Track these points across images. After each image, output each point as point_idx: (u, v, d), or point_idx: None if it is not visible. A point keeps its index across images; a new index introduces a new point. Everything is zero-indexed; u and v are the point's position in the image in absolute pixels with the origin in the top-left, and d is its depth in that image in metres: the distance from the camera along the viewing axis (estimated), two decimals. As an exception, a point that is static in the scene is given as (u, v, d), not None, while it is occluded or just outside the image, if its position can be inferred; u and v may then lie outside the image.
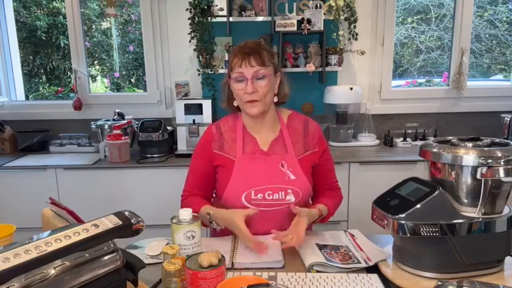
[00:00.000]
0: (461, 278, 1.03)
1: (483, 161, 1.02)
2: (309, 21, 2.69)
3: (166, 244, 1.32)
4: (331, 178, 1.57)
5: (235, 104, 1.49)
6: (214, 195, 1.59)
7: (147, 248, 1.33)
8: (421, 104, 3.04)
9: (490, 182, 1.04)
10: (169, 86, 3.00)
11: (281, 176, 1.42)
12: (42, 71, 4.25)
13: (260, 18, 2.76)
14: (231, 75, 1.42)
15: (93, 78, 4.25)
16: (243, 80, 1.38)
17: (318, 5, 2.72)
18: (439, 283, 0.99)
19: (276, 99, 1.47)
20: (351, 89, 2.78)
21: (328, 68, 2.80)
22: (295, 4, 2.75)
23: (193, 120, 2.68)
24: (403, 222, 1.04)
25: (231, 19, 2.72)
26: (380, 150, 2.75)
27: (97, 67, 4.35)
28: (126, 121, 2.77)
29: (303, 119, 1.54)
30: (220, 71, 2.78)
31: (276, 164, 1.43)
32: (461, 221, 1.05)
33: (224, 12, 2.68)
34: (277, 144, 1.47)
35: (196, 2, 2.62)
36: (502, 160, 1.01)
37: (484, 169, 1.01)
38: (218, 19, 2.69)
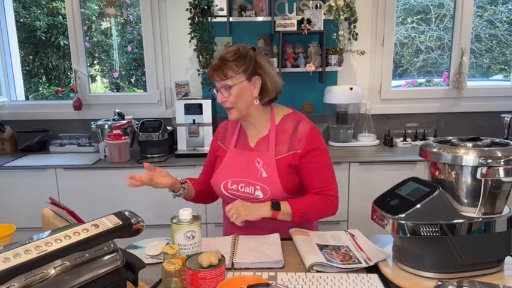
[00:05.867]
0: (461, 278, 1.03)
1: (483, 161, 1.02)
2: (309, 21, 2.69)
3: (166, 244, 1.32)
4: (319, 182, 1.50)
5: None
6: None
7: (147, 248, 1.33)
8: (421, 104, 3.04)
9: (490, 182, 1.04)
10: (169, 86, 3.00)
11: (254, 172, 1.51)
12: (42, 71, 4.25)
13: (260, 18, 2.76)
14: None
15: (93, 78, 4.25)
16: (218, 90, 1.51)
17: (318, 5, 2.72)
18: (439, 283, 0.99)
19: (256, 102, 1.50)
20: (351, 89, 2.78)
21: (328, 68, 2.80)
22: (295, 4, 2.75)
23: (193, 120, 2.68)
24: (403, 222, 1.04)
25: (231, 19, 2.72)
26: (380, 150, 2.75)
27: (97, 67, 4.35)
28: (126, 121, 2.77)
29: (297, 120, 1.55)
30: (220, 71, 2.78)
31: (253, 160, 1.53)
32: (461, 221, 1.05)
33: (224, 12, 2.68)
34: (263, 143, 1.55)
35: (196, 2, 2.62)
36: (502, 160, 1.01)
37: (484, 169, 1.01)
38: (218, 19, 2.69)
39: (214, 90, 1.54)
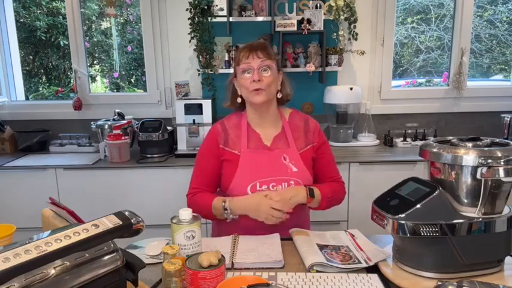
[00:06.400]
0: (461, 278, 1.03)
1: (483, 161, 1.02)
2: (309, 21, 2.69)
3: (166, 244, 1.32)
4: (332, 172, 1.63)
5: (238, 100, 1.57)
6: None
7: (147, 248, 1.33)
8: (421, 104, 3.04)
9: (490, 182, 1.04)
10: (169, 86, 3.00)
11: (284, 169, 1.51)
12: (42, 71, 4.25)
13: (260, 18, 2.75)
14: (237, 68, 1.51)
15: (93, 78, 4.25)
16: (250, 70, 1.47)
17: (318, 5, 2.72)
18: (439, 283, 0.99)
19: (280, 95, 1.57)
20: (351, 89, 2.78)
21: (328, 68, 2.80)
22: (295, 4, 2.75)
23: (193, 120, 2.68)
24: (403, 222, 1.04)
25: (231, 19, 2.72)
26: (380, 150, 2.75)
27: (97, 67, 4.35)
28: (126, 121, 2.77)
29: (304, 116, 1.64)
30: (220, 71, 2.78)
31: (278, 158, 1.52)
32: (461, 221, 1.05)
33: (224, 12, 2.68)
34: (279, 140, 1.56)
35: (196, 2, 2.62)
36: (502, 160, 1.01)
37: (484, 169, 1.01)
38: (218, 19, 2.69)
39: (241, 72, 1.48)
